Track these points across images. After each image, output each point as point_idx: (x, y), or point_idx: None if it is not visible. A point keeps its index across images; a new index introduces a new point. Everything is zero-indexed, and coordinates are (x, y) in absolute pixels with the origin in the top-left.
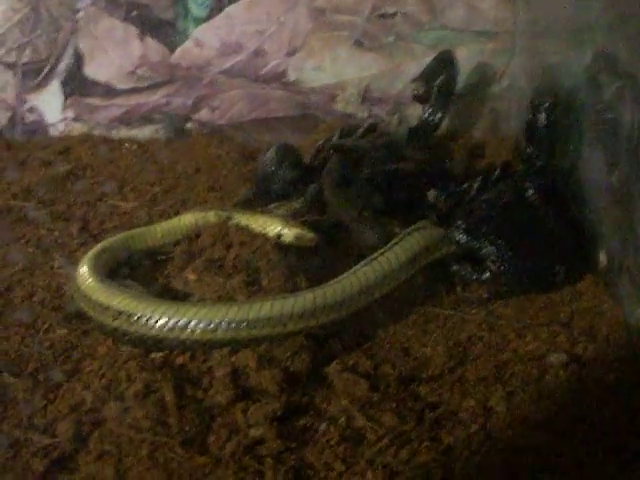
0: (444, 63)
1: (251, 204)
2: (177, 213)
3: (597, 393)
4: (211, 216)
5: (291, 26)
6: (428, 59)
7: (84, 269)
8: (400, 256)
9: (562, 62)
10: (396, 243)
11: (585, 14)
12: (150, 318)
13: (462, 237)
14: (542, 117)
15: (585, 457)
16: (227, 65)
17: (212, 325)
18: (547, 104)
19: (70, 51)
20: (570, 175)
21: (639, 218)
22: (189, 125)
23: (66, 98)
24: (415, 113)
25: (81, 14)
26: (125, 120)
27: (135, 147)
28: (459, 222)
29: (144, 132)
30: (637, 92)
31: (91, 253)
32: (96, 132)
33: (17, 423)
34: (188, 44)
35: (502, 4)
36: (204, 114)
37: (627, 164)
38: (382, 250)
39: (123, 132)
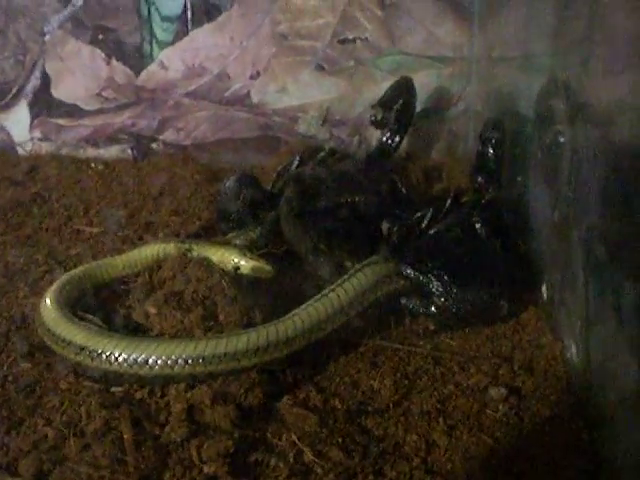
0: (402, 90)
1: (212, 231)
2: (141, 238)
3: (534, 427)
4: (171, 248)
5: (254, 50)
6: (387, 83)
7: (47, 303)
8: (350, 292)
9: (515, 88)
10: (347, 279)
11: (536, 41)
12: (111, 354)
13: (410, 272)
14: (490, 151)
15: None
16: (192, 87)
17: (170, 361)
18: (495, 139)
19: (37, 73)
20: (517, 208)
21: (576, 256)
22: (154, 145)
23: (33, 118)
24: (375, 134)
25: (48, 37)
26: (92, 140)
27: (101, 167)
28: (408, 257)
29: (110, 152)
30: (578, 128)
31: (54, 286)
32: (63, 152)
33: None
34: (153, 67)
35: (459, 30)
36: (169, 135)
37: (566, 203)
38: (333, 286)
39: (90, 152)
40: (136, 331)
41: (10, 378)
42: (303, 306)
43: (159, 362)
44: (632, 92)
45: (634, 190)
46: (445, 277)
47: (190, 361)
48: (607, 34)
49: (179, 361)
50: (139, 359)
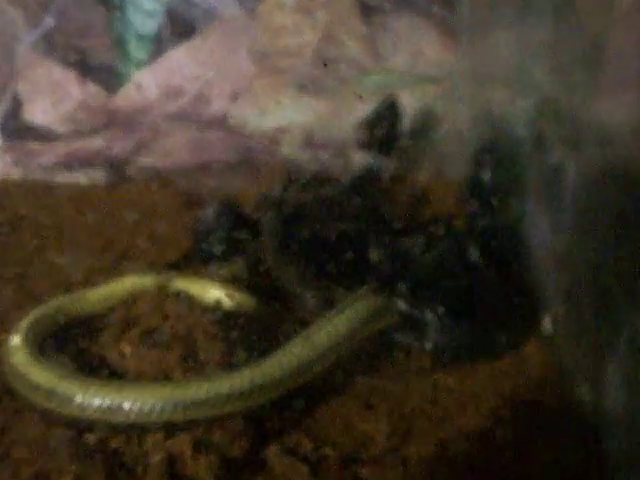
0: (387, 110)
1: (191, 261)
2: (115, 269)
3: (544, 474)
4: (148, 280)
5: (233, 70)
6: (372, 103)
7: (14, 341)
8: (340, 330)
9: (506, 111)
10: (336, 315)
11: (529, 59)
12: (83, 400)
13: (403, 305)
14: (486, 174)
15: None
16: (169, 109)
17: (146, 408)
18: (490, 162)
19: (8, 95)
20: (514, 234)
21: (583, 286)
22: (130, 170)
23: (4, 142)
24: (360, 157)
25: (18, 58)
26: (65, 164)
27: (74, 193)
28: (400, 288)
29: (84, 177)
30: (581, 149)
31: (22, 323)
32: (34, 177)
33: None
34: (128, 88)
35: (445, 48)
36: (145, 159)
37: (569, 230)
38: (321, 323)
39: (63, 177)
40: (110, 373)
41: None
42: (290, 344)
43: (135, 409)
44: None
45: None
46: (440, 310)
47: (169, 408)
48: (611, 51)
49: (157, 408)
50: (113, 406)
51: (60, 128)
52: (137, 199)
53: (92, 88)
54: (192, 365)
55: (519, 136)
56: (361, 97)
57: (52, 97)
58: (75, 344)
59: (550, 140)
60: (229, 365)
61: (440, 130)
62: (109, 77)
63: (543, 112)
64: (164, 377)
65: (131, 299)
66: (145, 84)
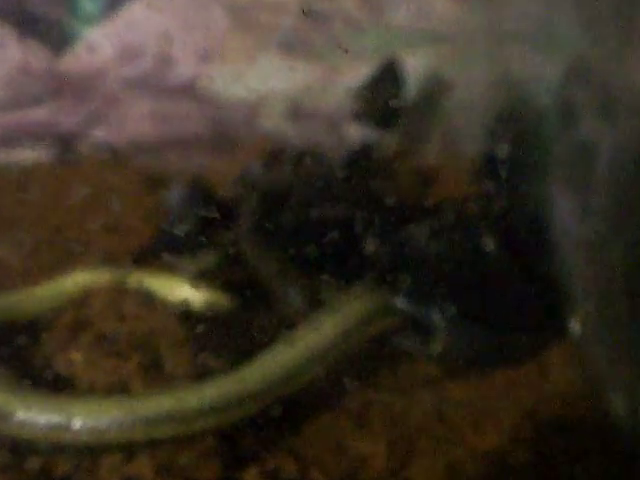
0: (388, 75)
1: (154, 254)
2: (64, 262)
3: None
4: (102, 277)
5: (204, 26)
6: (370, 67)
7: None
8: (331, 333)
9: (528, 74)
10: (326, 316)
11: (558, 12)
12: (23, 416)
13: (407, 304)
14: (503, 150)
15: None
16: (127, 74)
17: (100, 425)
18: (509, 134)
19: None
20: (536, 221)
21: (617, 282)
22: (81, 146)
23: None
24: (355, 130)
25: None
26: (4, 140)
27: (15, 174)
28: (402, 284)
29: (26, 155)
30: (617, 120)
31: None
32: None
33: None
34: (78, 48)
35: (456, 2)
36: (99, 133)
37: (604, 212)
38: (309, 325)
39: (1, 155)
40: (57, 385)
41: None
42: (273, 350)
43: (87, 427)
44: None
45: None
46: (449, 309)
47: (127, 425)
48: None
49: (113, 425)
50: (61, 422)
51: None
52: (89, 180)
53: (34, 47)
54: (154, 375)
55: (543, 104)
56: (347, 51)
57: None
58: (15, 350)
59: (580, 109)
60: (198, 375)
61: (450, 98)
62: (55, 35)
63: (572, 75)
64: (121, 389)
65: (82, 297)
66: (98, 43)
